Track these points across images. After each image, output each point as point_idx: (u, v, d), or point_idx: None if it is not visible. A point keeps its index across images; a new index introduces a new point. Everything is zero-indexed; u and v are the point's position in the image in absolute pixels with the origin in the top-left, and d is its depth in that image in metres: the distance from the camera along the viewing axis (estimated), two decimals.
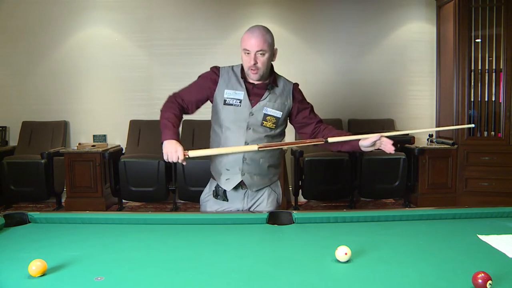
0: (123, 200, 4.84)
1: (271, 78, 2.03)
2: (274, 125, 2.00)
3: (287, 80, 2.10)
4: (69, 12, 5.09)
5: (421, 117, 5.22)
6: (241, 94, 1.97)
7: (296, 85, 2.10)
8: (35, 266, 1.22)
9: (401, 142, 4.83)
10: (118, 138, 5.17)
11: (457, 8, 4.53)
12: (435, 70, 5.14)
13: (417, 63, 5.20)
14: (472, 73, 4.57)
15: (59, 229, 1.72)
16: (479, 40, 4.55)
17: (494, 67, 4.51)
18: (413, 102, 5.21)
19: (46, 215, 1.81)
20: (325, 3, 5.14)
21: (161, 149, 1.86)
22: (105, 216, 1.87)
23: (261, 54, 1.90)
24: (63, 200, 4.81)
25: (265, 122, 1.98)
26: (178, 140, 1.87)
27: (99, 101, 5.20)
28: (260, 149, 1.91)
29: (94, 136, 5.04)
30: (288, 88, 2.06)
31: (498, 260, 1.34)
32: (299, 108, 2.08)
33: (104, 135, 5.07)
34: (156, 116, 5.54)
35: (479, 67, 4.55)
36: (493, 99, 4.55)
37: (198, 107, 2.09)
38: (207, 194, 2.10)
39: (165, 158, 1.84)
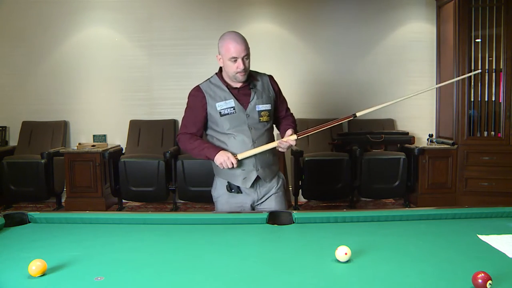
0: (123, 200, 4.83)
1: (249, 77, 2.15)
2: (269, 118, 2.16)
3: (261, 73, 2.23)
4: (69, 12, 5.09)
5: (421, 117, 5.22)
6: (231, 101, 2.09)
7: (271, 77, 2.25)
8: (35, 266, 1.23)
9: (401, 142, 4.83)
10: (118, 138, 5.17)
11: (457, 8, 4.53)
12: (435, 70, 5.13)
13: (417, 63, 5.20)
14: None
15: (59, 229, 1.72)
16: (479, 40, 4.55)
17: (494, 67, 4.51)
18: (413, 102, 5.19)
19: (46, 215, 1.81)
20: (325, 3, 5.14)
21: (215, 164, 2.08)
22: (105, 216, 1.87)
23: (246, 57, 2.05)
24: (63, 200, 4.81)
25: (261, 118, 2.12)
26: (223, 149, 2.07)
27: (99, 101, 5.20)
28: (299, 137, 2.09)
29: (94, 136, 5.04)
30: (266, 81, 2.21)
31: (498, 260, 1.34)
32: (280, 100, 2.25)
33: (104, 135, 5.07)
34: (156, 116, 5.55)
35: (479, 67, 4.55)
36: (493, 99, 4.55)
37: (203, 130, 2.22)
38: (219, 191, 2.18)
39: (221, 168, 2.06)
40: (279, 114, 2.28)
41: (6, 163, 4.56)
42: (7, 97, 5.18)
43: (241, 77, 2.07)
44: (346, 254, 1.32)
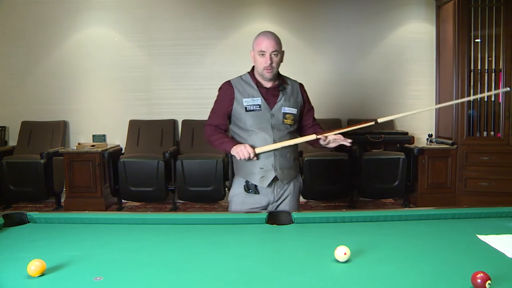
0: (123, 200, 4.83)
1: (280, 79, 2.19)
2: (293, 122, 2.19)
3: (292, 79, 2.27)
4: (69, 12, 5.09)
5: (421, 117, 5.22)
6: (259, 99, 2.14)
7: (301, 85, 2.29)
8: (34, 266, 1.22)
9: (401, 142, 4.83)
10: (117, 138, 5.17)
11: (457, 8, 4.53)
12: (434, 70, 5.14)
13: (416, 63, 5.20)
14: (472, 73, 4.57)
15: (59, 229, 1.71)
16: (479, 40, 4.55)
17: (493, 67, 4.51)
18: (413, 102, 5.20)
19: (45, 215, 1.81)
20: (325, 3, 5.14)
21: (232, 156, 2.12)
22: (105, 216, 1.87)
23: (275, 54, 2.09)
24: (62, 200, 4.81)
25: (285, 120, 2.16)
26: (241, 143, 2.11)
27: (99, 101, 5.19)
28: (318, 136, 2.12)
29: (93, 136, 5.03)
30: (296, 87, 2.27)
31: (497, 260, 1.34)
32: (307, 108, 2.28)
33: (104, 135, 5.06)
34: (155, 116, 5.54)
35: (479, 67, 4.55)
36: (493, 99, 4.55)
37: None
38: (236, 190, 2.20)
39: (237, 158, 2.08)
40: (305, 123, 2.30)
41: (6, 163, 4.56)
42: (7, 97, 5.17)
43: (267, 74, 2.10)
44: (345, 254, 1.32)
